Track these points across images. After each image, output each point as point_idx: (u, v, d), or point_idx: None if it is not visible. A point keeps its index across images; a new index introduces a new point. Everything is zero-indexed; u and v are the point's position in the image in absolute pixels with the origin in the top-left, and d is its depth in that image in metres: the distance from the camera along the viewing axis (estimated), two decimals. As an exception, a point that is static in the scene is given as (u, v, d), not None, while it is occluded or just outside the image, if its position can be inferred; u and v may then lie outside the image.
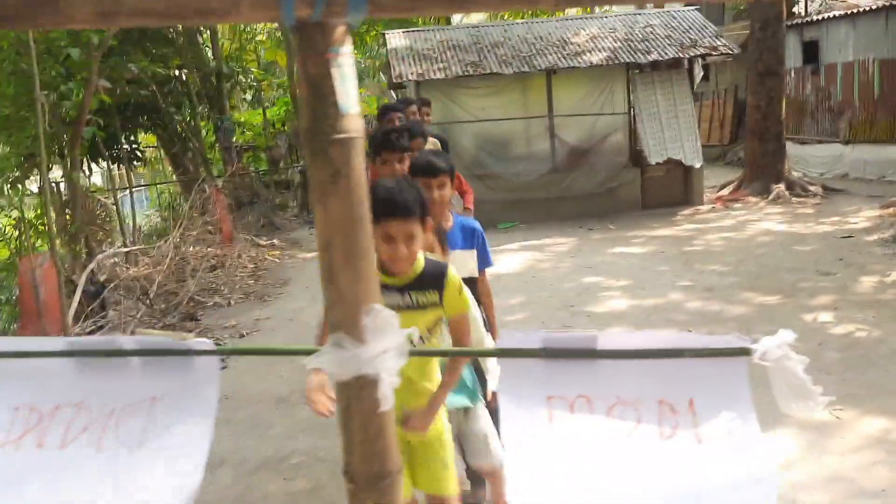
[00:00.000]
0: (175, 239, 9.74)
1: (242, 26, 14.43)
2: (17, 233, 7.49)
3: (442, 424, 2.85)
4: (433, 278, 2.69)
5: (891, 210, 11.17)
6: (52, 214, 6.20)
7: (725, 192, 14.00)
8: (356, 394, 1.10)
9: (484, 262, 3.75)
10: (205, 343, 1.17)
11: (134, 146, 13.87)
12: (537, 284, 8.57)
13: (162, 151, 16.48)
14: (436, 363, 2.81)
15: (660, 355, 1.18)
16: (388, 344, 1.07)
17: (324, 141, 1.03)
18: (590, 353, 1.19)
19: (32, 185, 10.41)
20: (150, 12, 0.92)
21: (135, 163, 14.02)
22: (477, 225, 3.77)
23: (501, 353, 1.21)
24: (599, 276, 8.79)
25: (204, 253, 10.42)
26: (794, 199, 12.84)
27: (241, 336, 7.49)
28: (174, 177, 16.13)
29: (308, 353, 1.12)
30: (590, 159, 12.83)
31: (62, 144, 7.81)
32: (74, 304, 6.02)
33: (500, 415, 1.21)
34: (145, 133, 15.26)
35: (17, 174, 9.43)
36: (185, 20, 0.93)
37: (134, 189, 15.05)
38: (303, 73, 1.03)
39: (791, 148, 14.62)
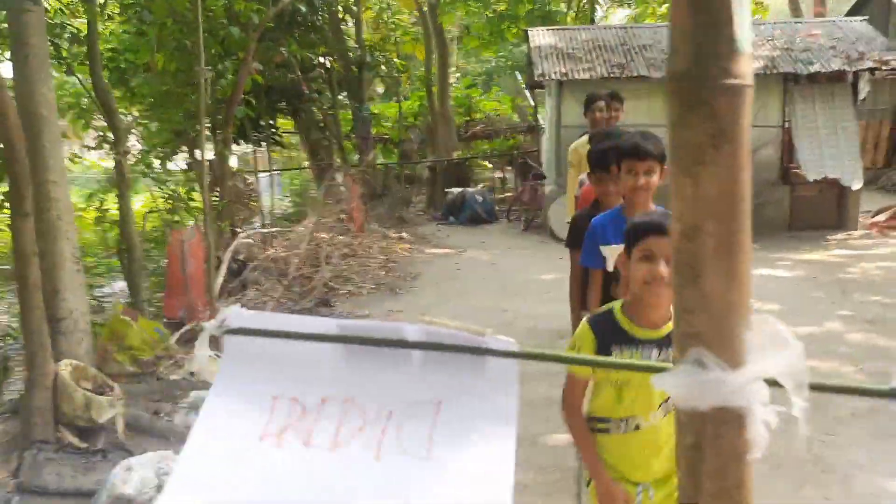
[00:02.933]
0: (309, 225, 9.81)
1: (386, 17, 14.51)
2: (166, 207, 7.69)
3: None
4: None
5: None
6: (206, 191, 6.28)
7: (882, 217, 12.93)
8: (713, 430, 0.83)
9: None
10: (507, 342, 0.93)
11: (273, 130, 14.14)
12: (679, 300, 8.08)
13: (298, 137, 16.82)
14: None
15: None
16: (775, 367, 0.80)
17: (708, 88, 0.77)
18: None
19: (175, 162, 10.75)
20: None
21: (274, 146, 14.31)
22: None
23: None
24: (747, 297, 8.21)
25: (336, 241, 10.48)
26: (961, 230, 11.72)
27: (373, 326, 7.41)
28: (308, 163, 16.45)
29: (655, 370, 0.86)
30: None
31: (215, 122, 7.96)
32: (220, 280, 6.07)
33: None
34: (284, 118, 15.57)
35: (167, 150, 9.73)
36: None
37: (270, 173, 15.41)
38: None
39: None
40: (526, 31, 13.73)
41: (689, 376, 0.82)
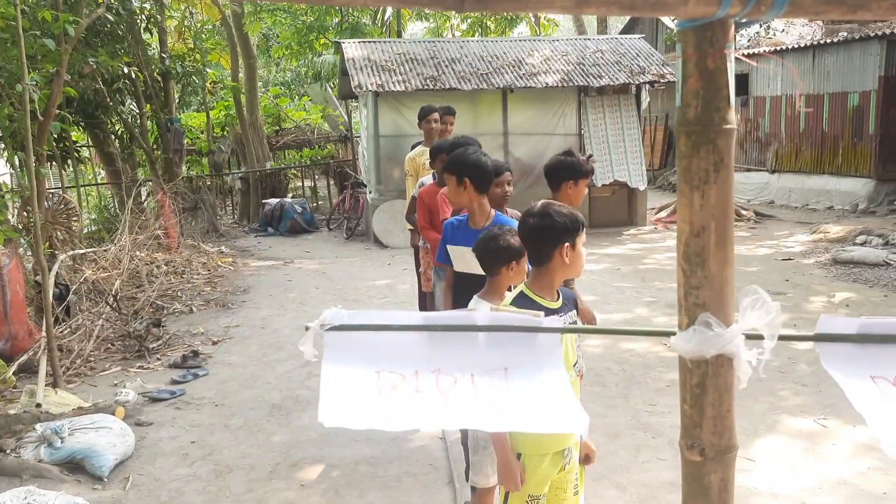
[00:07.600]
0: (126, 242, 9.39)
1: (189, 24, 14.10)
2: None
3: None
4: (568, 299, 2.80)
5: (822, 235, 11.86)
6: (23, 211, 5.89)
7: (664, 214, 14.54)
8: (713, 371, 1.17)
9: None
10: (553, 320, 1.22)
11: (66, 143, 13.28)
12: (505, 297, 8.67)
13: (93, 151, 15.89)
14: None
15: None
16: (759, 324, 1.14)
17: (712, 131, 1.10)
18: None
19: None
20: (615, 3, 0.97)
21: (68, 161, 13.44)
22: (511, 221, 3.79)
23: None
24: (564, 290, 8.98)
25: (153, 258, 10.10)
26: (729, 223, 13.44)
27: (214, 343, 7.29)
28: (104, 178, 15.56)
29: (667, 334, 1.18)
30: (542, 178, 13.11)
31: (22, 138, 7.40)
32: (49, 306, 5.75)
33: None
34: (78, 130, 14.65)
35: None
36: (641, 12, 0.98)
37: (66, 189, 14.43)
38: (697, 68, 1.10)
39: (724, 174, 15.32)
40: (338, 43, 13.96)
41: (699, 334, 1.14)
